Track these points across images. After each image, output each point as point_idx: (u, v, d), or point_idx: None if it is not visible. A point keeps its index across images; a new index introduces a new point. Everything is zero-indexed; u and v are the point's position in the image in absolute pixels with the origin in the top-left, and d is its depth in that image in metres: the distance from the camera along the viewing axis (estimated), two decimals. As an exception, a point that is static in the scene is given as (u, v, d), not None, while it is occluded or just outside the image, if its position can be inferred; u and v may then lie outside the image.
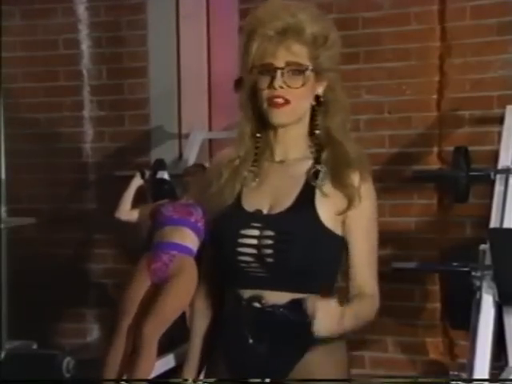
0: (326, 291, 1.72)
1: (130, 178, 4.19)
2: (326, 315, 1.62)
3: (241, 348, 1.76)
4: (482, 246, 3.39)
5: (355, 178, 1.75)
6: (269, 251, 1.72)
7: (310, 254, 1.72)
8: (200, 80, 4.58)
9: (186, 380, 1.85)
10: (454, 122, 4.06)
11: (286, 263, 1.71)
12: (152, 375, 3.60)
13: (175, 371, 3.74)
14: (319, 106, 1.79)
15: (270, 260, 1.72)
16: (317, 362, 1.75)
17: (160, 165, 4.35)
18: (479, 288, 3.35)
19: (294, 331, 1.72)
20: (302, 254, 1.71)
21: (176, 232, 3.85)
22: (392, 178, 4.08)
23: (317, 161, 1.78)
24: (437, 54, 4.08)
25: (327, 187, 1.75)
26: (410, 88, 4.06)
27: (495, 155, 3.69)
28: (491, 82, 4.01)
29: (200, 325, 1.90)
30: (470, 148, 3.82)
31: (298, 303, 1.70)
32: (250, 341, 1.75)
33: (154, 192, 4.23)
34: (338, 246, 1.76)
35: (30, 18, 4.84)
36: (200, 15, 4.60)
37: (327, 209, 1.74)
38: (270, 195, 1.78)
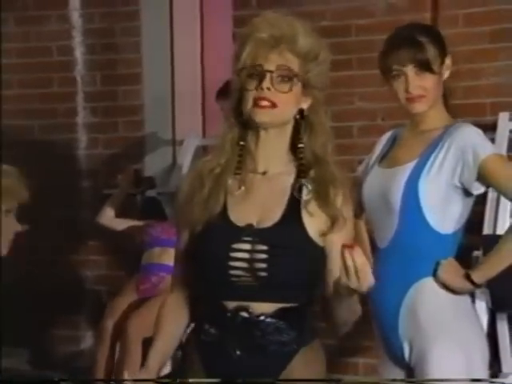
0: (309, 300, 1.80)
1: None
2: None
3: (226, 360, 1.77)
4: (476, 253, 3.39)
5: (338, 199, 1.79)
6: (262, 265, 1.75)
7: (300, 267, 1.76)
8: (194, 86, 4.58)
9: (187, 380, 1.84)
10: (447, 129, 4.07)
11: (279, 276, 1.75)
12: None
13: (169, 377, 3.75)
14: (302, 119, 1.82)
15: (263, 274, 1.74)
16: (300, 372, 1.78)
17: (149, 183, 4.30)
18: (472, 294, 3.35)
19: (281, 339, 1.76)
20: (293, 266, 1.75)
21: (165, 253, 3.82)
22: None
23: (299, 175, 1.81)
24: (430, 61, 4.09)
25: (312, 205, 1.78)
26: (403, 95, 4.07)
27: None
28: (484, 89, 4.02)
29: (167, 330, 1.88)
30: (463, 155, 3.82)
31: (285, 311, 1.77)
32: (238, 352, 1.76)
33: (143, 211, 4.18)
34: (321, 257, 1.80)
35: (23, 24, 4.84)
36: (194, 22, 4.61)
37: (312, 224, 1.79)
38: (256, 208, 1.80)
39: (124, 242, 4.51)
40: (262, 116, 1.77)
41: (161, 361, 1.89)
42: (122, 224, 4.06)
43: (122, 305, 3.83)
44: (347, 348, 4.13)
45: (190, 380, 1.82)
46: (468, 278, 2.30)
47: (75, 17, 4.79)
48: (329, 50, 1.84)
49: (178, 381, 2.07)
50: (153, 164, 4.48)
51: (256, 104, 1.77)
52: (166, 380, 2.26)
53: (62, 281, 4.69)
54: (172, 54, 4.59)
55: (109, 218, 4.05)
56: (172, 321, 1.89)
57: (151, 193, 4.26)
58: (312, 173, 1.81)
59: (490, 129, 3.84)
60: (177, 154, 4.56)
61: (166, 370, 3.80)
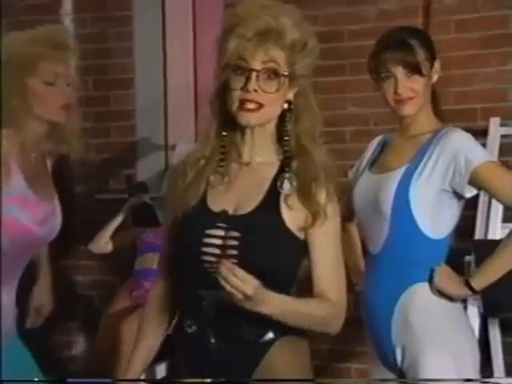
0: (285, 292, 1.73)
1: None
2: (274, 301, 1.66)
3: (202, 349, 1.75)
4: (467, 258, 3.40)
5: (321, 196, 1.74)
6: (233, 252, 1.71)
7: (273, 256, 1.72)
8: (186, 91, 4.59)
9: (187, 380, 1.81)
10: (438, 134, 4.08)
11: (250, 264, 1.68)
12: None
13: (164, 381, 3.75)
14: (289, 111, 1.78)
15: (234, 261, 1.69)
16: (279, 361, 1.75)
17: (142, 188, 4.28)
18: (464, 300, 3.36)
19: (257, 330, 1.73)
20: (265, 255, 1.71)
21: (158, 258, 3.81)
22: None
23: (283, 167, 1.77)
24: (421, 66, 4.11)
25: (293, 199, 1.74)
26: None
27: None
28: (475, 95, 4.04)
29: (152, 326, 1.91)
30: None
31: None
32: (212, 340, 1.74)
33: (136, 217, 4.17)
34: (300, 249, 1.76)
35: (16, 29, 4.83)
36: (186, 27, 4.62)
37: (292, 217, 1.74)
38: (235, 196, 1.77)
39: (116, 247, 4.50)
40: (248, 119, 1.73)
41: (144, 360, 1.92)
42: (116, 243, 4.03)
43: (116, 311, 3.82)
44: (340, 353, 4.13)
45: (183, 380, 1.80)
46: (467, 284, 2.31)
47: (67, 21, 4.79)
48: (316, 37, 1.79)
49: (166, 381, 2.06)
50: (145, 169, 4.48)
51: (242, 106, 1.72)
52: (161, 381, 2.25)
53: (54, 286, 4.67)
54: (164, 59, 4.60)
55: (102, 246, 4.02)
56: (155, 319, 1.91)
57: (144, 198, 4.24)
58: (295, 164, 1.76)
59: (480, 134, 3.86)
60: (169, 159, 4.56)
61: (162, 373, 3.81)
